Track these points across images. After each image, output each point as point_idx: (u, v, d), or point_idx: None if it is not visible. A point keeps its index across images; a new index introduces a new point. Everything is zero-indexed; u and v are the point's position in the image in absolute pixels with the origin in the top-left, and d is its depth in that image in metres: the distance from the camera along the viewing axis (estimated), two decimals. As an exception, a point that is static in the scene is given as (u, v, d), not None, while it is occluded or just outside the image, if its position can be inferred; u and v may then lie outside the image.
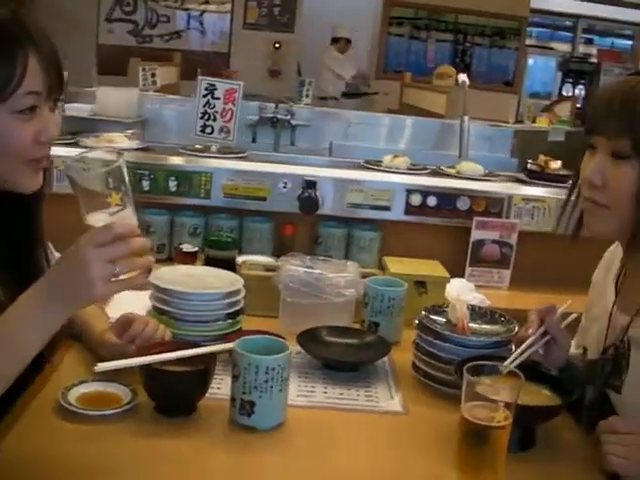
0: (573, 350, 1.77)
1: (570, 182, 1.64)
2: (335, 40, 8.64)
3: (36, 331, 1.20)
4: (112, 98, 3.98)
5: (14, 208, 1.46)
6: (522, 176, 2.97)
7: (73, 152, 1.27)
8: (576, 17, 11.26)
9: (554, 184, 2.82)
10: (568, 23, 11.52)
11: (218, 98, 2.84)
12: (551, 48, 11.49)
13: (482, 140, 4.74)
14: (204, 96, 2.84)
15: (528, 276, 2.35)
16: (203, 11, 8.69)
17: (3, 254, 1.45)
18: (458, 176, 2.84)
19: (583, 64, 10.44)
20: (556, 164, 2.93)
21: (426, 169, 2.86)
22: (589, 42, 11.93)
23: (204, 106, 2.85)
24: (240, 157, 2.85)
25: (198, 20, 8.69)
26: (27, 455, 1.28)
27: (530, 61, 10.71)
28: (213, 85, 2.85)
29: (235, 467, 1.33)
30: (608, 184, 1.46)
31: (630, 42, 11.57)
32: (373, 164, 2.91)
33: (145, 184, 2.54)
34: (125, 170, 1.23)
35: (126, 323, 1.61)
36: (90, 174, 1.23)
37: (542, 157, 3.01)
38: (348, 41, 8.67)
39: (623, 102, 1.43)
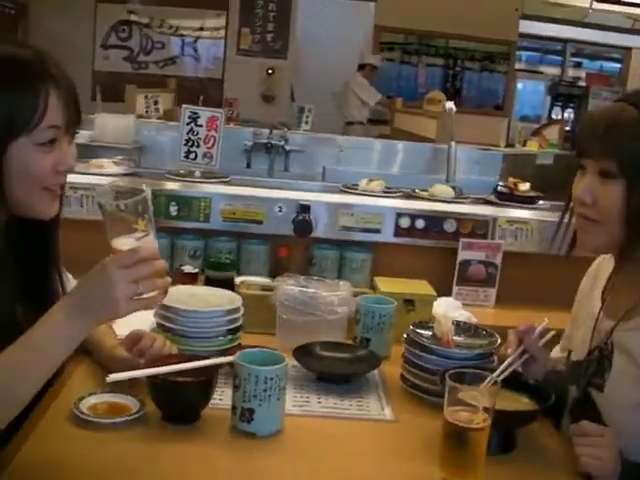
0: (558, 354, 1.89)
1: (564, 204, 1.75)
2: (361, 67, 8.73)
3: (64, 341, 1.32)
4: (110, 125, 4.09)
5: (33, 233, 1.57)
6: (492, 198, 3.11)
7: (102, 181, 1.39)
8: (564, 41, 11.42)
9: (524, 205, 2.98)
10: (557, 47, 11.68)
11: (201, 125, 2.98)
12: (540, 72, 11.66)
13: (472, 164, 4.85)
14: (187, 124, 2.98)
15: (513, 294, 2.47)
16: (197, 37, 8.85)
17: (22, 276, 1.56)
18: (430, 198, 2.99)
19: (572, 88, 10.60)
20: (525, 186, 3.09)
21: (400, 192, 3.00)
22: (578, 65, 12.08)
23: (188, 133, 2.99)
24: (224, 181, 3.00)
25: (192, 47, 8.85)
26: (44, 459, 1.38)
27: (519, 85, 10.87)
28: (196, 113, 2.99)
29: (237, 469, 1.44)
30: (598, 202, 1.57)
31: (619, 65, 11.73)
32: (351, 188, 3.06)
33: (147, 208, 2.66)
34: (150, 200, 1.36)
35: (136, 339, 1.73)
36: (120, 202, 1.35)
37: (511, 179, 3.16)
38: (374, 67, 8.77)
39: (608, 126, 1.54)
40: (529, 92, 11.12)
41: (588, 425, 1.51)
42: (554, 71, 11.76)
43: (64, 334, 1.32)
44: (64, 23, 8.13)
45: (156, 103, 5.35)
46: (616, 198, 1.55)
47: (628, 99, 1.59)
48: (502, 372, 1.64)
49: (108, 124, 4.10)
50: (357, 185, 3.09)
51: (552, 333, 1.76)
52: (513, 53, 10.33)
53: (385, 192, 3.01)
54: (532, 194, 3.11)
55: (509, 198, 3.06)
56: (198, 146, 2.98)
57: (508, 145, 6.51)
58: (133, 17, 8.63)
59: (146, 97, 5.33)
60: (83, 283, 1.36)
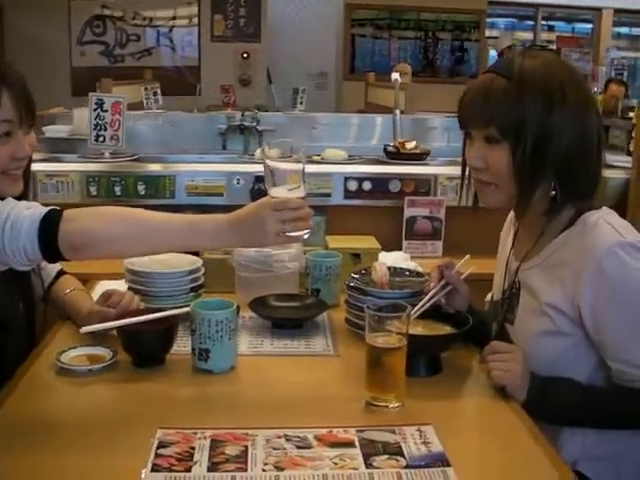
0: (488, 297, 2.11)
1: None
2: None
3: (205, 241, 1.64)
4: (87, 118, 4.28)
5: None
6: (383, 157, 3.40)
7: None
8: (536, 6, 11.54)
9: (410, 162, 3.29)
10: (530, 12, 11.79)
11: (107, 110, 3.22)
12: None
13: (443, 131, 5.08)
14: (94, 110, 3.23)
15: (458, 245, 2.66)
16: (172, 27, 8.95)
17: None
18: (321, 161, 3.31)
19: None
20: (411, 144, 3.36)
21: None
22: (550, 29, 12.19)
23: (95, 118, 3.24)
24: (133, 159, 3.30)
25: (167, 37, 8.96)
26: (31, 403, 1.62)
27: (492, 52, 11.01)
28: (101, 100, 3.23)
29: (197, 399, 1.68)
30: (489, 165, 1.74)
31: (590, 26, 11.85)
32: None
33: (117, 189, 2.90)
34: (304, 160, 1.66)
35: (107, 296, 1.98)
36: (282, 161, 1.66)
37: (400, 139, 3.46)
38: None
39: (484, 97, 1.69)
40: (502, 59, 11.20)
41: (497, 344, 1.73)
42: (527, 36, 11.87)
43: (205, 238, 1.61)
44: (39, 22, 8.27)
45: (155, 94, 5.54)
46: (503, 160, 1.70)
47: (495, 69, 1.74)
48: (426, 303, 1.87)
49: (85, 118, 4.29)
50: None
51: (471, 269, 1.98)
52: (483, 21, 10.46)
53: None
54: (418, 151, 3.40)
55: (397, 156, 3.36)
56: (105, 129, 3.23)
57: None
58: (106, 11, 8.73)
59: (146, 89, 5.51)
60: (243, 211, 1.61)
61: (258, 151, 3.39)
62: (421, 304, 1.87)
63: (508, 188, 1.73)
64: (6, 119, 1.72)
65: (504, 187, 1.74)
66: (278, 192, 1.63)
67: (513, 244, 1.95)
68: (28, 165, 1.86)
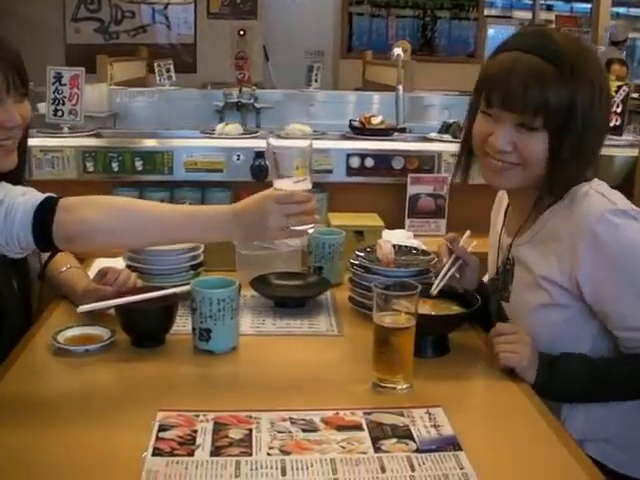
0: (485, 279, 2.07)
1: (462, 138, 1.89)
2: None
3: (208, 233, 1.59)
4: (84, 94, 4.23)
5: None
6: (349, 132, 3.36)
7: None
8: (535, -16, 11.46)
9: (375, 137, 3.23)
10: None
11: (65, 84, 3.14)
12: (510, 17, 11.72)
13: (442, 109, 5.04)
14: (53, 83, 3.14)
15: (462, 223, 2.62)
16: (167, 4, 8.88)
17: None
18: (284, 137, 3.27)
19: (541, 31, 10.64)
20: (377, 119, 3.33)
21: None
22: (549, 8, 12.12)
23: (54, 92, 3.15)
24: (92, 134, 3.22)
25: (163, 13, 8.88)
26: (27, 384, 1.57)
27: (491, 31, 10.93)
28: (60, 73, 3.15)
29: (198, 380, 1.63)
30: (518, 148, 1.67)
31: (589, 5, 11.78)
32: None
33: (114, 165, 2.84)
34: (311, 152, 1.59)
35: (103, 273, 1.92)
36: (287, 151, 1.60)
37: (365, 114, 3.41)
38: None
39: (535, 87, 1.60)
40: (501, 38, 11.12)
41: (502, 326, 1.69)
42: (526, 15, 11.79)
43: (215, 225, 1.56)
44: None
45: (168, 70, 5.48)
46: (539, 146, 1.65)
47: (540, 53, 1.63)
48: (442, 278, 1.82)
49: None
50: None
51: (474, 244, 1.94)
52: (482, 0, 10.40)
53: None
54: (384, 127, 3.36)
55: (362, 132, 3.31)
56: (64, 104, 3.15)
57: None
58: (101, -13, 8.66)
59: (159, 65, 5.45)
60: (247, 203, 1.56)
61: (219, 126, 3.34)
62: (438, 281, 1.83)
63: (536, 170, 1.69)
64: None
65: (532, 169, 1.69)
66: (283, 184, 1.58)
67: (504, 221, 1.93)
68: (24, 138, 1.79)
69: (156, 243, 1.68)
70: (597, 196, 1.66)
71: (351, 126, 3.41)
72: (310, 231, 1.62)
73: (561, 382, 1.62)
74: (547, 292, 1.69)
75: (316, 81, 5.83)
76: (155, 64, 5.48)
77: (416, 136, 3.40)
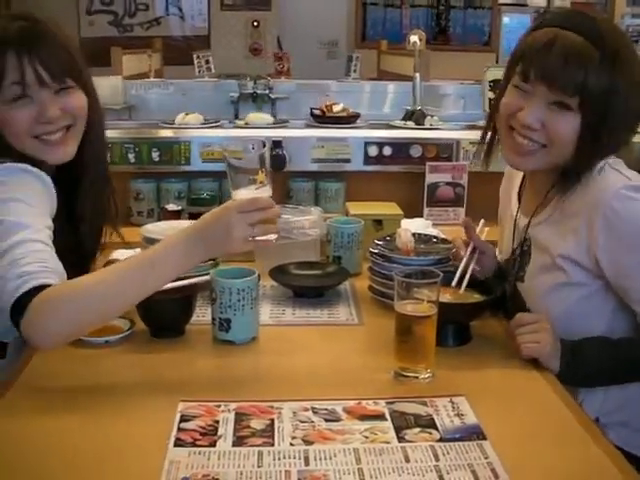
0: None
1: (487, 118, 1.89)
2: None
3: (175, 268, 1.49)
4: (98, 88, 4.22)
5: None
6: (311, 121, 3.36)
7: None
8: (551, -29, 11.38)
9: (336, 125, 3.21)
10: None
11: None
12: (524, 5, 11.63)
13: (457, 98, 4.99)
14: None
15: (481, 211, 2.60)
16: (180, -4, 8.88)
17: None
18: (246, 127, 3.26)
19: (557, 18, 10.57)
20: (338, 107, 3.33)
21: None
22: (564, -5, 12.05)
23: None
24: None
25: (176, 5, 8.84)
26: (47, 375, 1.56)
27: (506, 19, 10.84)
28: None
29: (218, 370, 1.63)
30: (547, 128, 1.65)
31: (605, -9, 11.68)
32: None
33: (131, 156, 2.83)
34: (268, 155, 1.56)
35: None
36: (244, 157, 1.57)
37: (326, 102, 3.41)
38: None
39: (576, 62, 1.58)
40: (515, 26, 11.09)
41: (523, 315, 1.66)
42: (540, 1, 11.70)
43: (176, 262, 1.48)
44: (46, -7, 8.20)
45: (207, 62, 5.46)
46: (569, 128, 1.63)
47: (582, 33, 1.60)
48: (464, 272, 1.79)
49: (97, 87, 4.23)
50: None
51: (488, 229, 1.94)
52: (496, -13, 10.33)
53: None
54: (345, 114, 3.34)
55: (323, 120, 3.30)
56: None
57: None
58: (115, -20, 8.66)
59: (198, 57, 5.43)
60: (207, 219, 1.50)
61: (179, 116, 3.31)
62: (458, 275, 1.79)
63: (561, 152, 1.68)
64: (15, 81, 1.64)
65: (557, 151, 1.68)
66: (242, 194, 1.53)
67: (519, 201, 1.92)
68: (90, 129, 1.82)
69: (134, 304, 1.59)
70: (613, 172, 1.67)
71: (312, 114, 3.39)
72: (274, 241, 1.56)
73: (585, 368, 1.61)
74: (564, 271, 1.69)
75: (355, 71, 5.78)
76: (194, 55, 5.46)
77: (378, 123, 3.36)
